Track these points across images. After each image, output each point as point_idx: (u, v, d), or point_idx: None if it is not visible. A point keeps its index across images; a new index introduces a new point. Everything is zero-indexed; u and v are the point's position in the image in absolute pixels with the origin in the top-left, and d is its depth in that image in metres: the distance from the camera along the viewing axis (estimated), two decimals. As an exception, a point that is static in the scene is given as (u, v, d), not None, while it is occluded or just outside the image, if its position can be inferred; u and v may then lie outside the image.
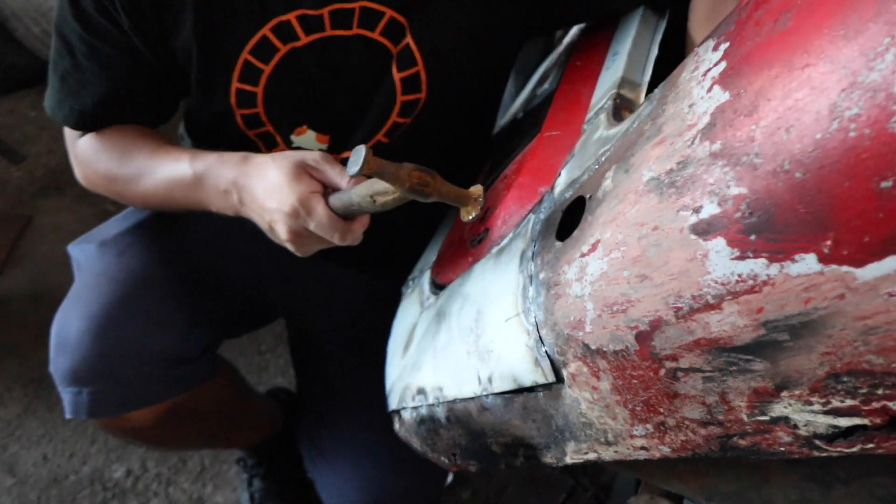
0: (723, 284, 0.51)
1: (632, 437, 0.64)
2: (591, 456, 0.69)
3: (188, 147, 1.16)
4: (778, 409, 0.54)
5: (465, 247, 0.90)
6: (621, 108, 0.77)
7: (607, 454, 0.67)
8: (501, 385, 0.71)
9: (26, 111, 2.92)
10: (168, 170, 0.97)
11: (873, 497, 0.68)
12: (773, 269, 0.48)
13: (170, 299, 1.08)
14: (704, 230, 0.51)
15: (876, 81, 0.42)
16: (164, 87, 1.01)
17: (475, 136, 1.19)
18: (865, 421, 0.50)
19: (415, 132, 1.03)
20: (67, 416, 1.09)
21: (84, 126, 1.01)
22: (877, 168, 0.42)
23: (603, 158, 0.67)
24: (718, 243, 0.50)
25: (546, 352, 0.65)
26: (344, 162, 1.04)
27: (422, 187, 0.76)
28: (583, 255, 0.61)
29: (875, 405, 0.49)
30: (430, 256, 1.07)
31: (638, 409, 0.61)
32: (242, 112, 0.97)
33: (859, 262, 0.45)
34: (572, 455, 0.70)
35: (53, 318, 1.07)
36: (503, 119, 1.35)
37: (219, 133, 1.03)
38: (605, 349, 0.60)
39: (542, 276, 0.67)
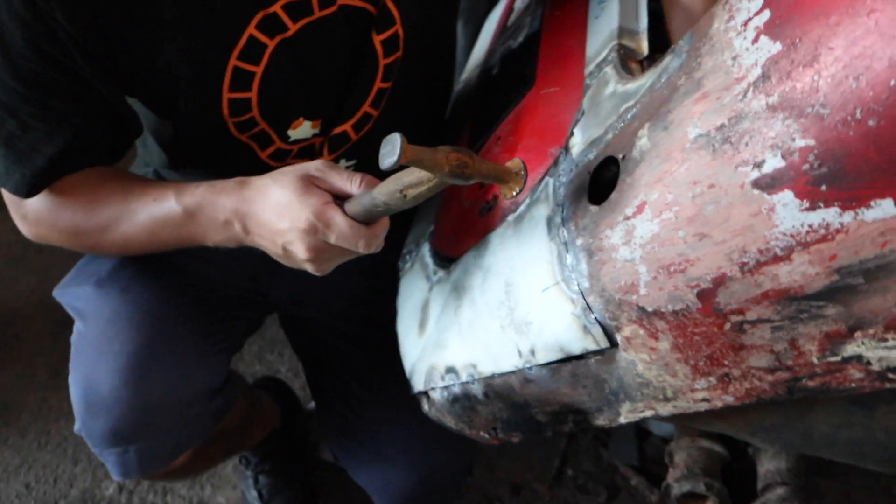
0: (792, 236, 0.51)
1: (693, 391, 0.64)
2: (648, 413, 0.69)
3: (161, 171, 1.10)
4: (850, 349, 0.55)
5: (472, 216, 0.89)
6: (626, 59, 0.75)
7: (665, 410, 0.68)
8: (547, 356, 0.71)
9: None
10: (150, 211, 0.89)
11: (916, 412, 0.71)
12: (847, 216, 0.48)
13: (191, 333, 1.02)
14: (769, 184, 0.51)
15: (954, 21, 0.41)
16: (119, 127, 0.92)
17: (445, 90, 1.17)
18: (941, 351, 0.52)
19: (396, 96, 1.00)
20: (117, 478, 1.04)
21: (38, 190, 0.89)
22: (957, 109, 0.42)
23: (629, 116, 0.66)
24: (786, 196, 0.50)
25: (596, 318, 0.65)
26: (336, 141, 1.00)
27: (461, 169, 0.70)
28: (627, 219, 0.61)
29: (952, 335, 0.51)
30: (425, 227, 1.05)
31: (700, 364, 0.62)
32: (235, 120, 0.91)
33: (938, 202, 0.45)
34: (626, 415, 0.71)
35: (69, 375, 1.00)
36: (463, 74, 1.33)
37: (206, 141, 0.96)
38: (663, 310, 0.60)
39: (579, 242, 0.66)
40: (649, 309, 0.61)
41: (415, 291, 0.97)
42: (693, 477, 0.83)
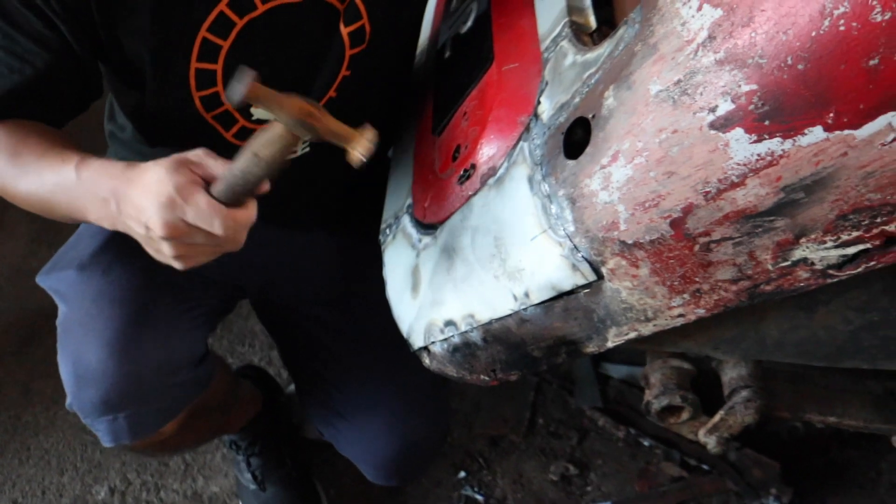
0: (745, 165, 0.62)
1: (670, 308, 0.76)
2: (632, 335, 0.80)
3: (134, 145, 1.15)
4: (798, 254, 0.67)
5: (450, 185, 0.98)
6: (579, 33, 0.86)
7: (646, 329, 0.79)
8: (540, 296, 0.81)
9: None
10: (54, 172, 0.90)
11: (848, 308, 0.84)
12: (787, 144, 0.60)
13: (172, 306, 1.10)
14: (723, 124, 0.62)
15: (857, -18, 0.53)
16: (79, 86, 0.98)
17: (405, 76, 1.26)
18: (868, 245, 0.64)
19: (358, 83, 1.08)
20: (107, 444, 1.11)
21: None
22: (865, 50, 0.54)
23: (593, 81, 0.76)
24: (737, 132, 0.61)
25: (583, 256, 0.75)
26: None
27: (307, 118, 0.73)
28: (604, 167, 0.71)
29: (875, 231, 0.63)
30: (399, 202, 1.14)
31: (675, 283, 0.73)
32: (201, 94, 0.97)
33: (857, 125, 0.57)
34: (613, 339, 0.82)
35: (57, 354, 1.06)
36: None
37: (173, 123, 1.03)
38: (641, 241, 0.71)
39: (561, 192, 0.76)
40: (629, 241, 0.72)
41: (401, 259, 1.06)
42: (669, 392, 0.95)
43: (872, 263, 0.66)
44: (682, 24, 0.65)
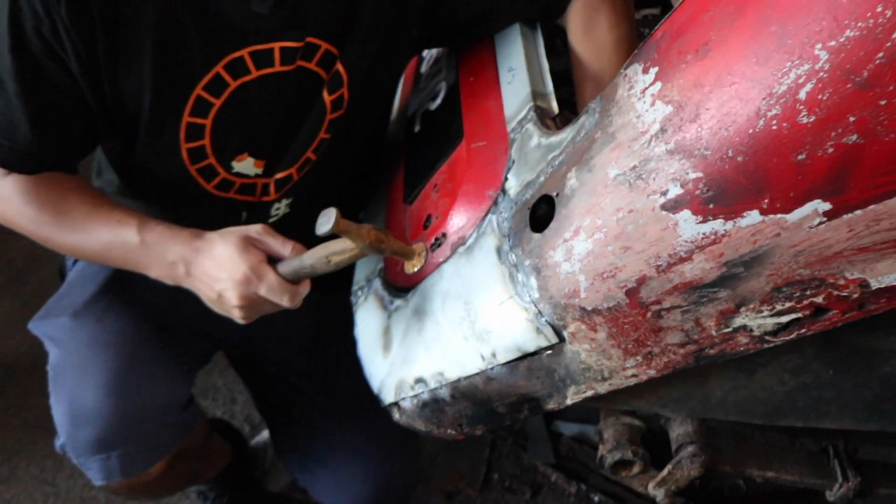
0: (692, 242, 0.71)
1: (624, 369, 0.83)
2: (589, 393, 0.87)
3: (119, 198, 1.20)
4: (738, 321, 0.75)
5: (420, 252, 1.05)
6: (543, 117, 0.95)
7: (603, 388, 0.86)
8: (506, 356, 0.88)
9: None
10: (111, 231, 1.02)
11: (784, 370, 0.93)
12: (729, 224, 0.69)
13: (162, 351, 1.16)
14: (673, 206, 0.70)
15: (785, 91, 0.62)
16: (90, 131, 1.04)
17: (378, 141, 1.34)
18: (799, 314, 0.73)
19: (335, 146, 1.16)
20: (98, 482, 1.14)
21: (18, 165, 1.00)
22: (794, 147, 0.63)
23: (556, 162, 0.85)
24: (685, 214, 0.70)
25: (546, 321, 0.83)
26: (281, 182, 1.14)
27: (379, 243, 0.91)
28: (566, 241, 0.79)
29: (805, 302, 0.72)
30: (370, 265, 1.20)
31: (630, 346, 0.81)
32: (189, 146, 1.04)
33: (788, 210, 0.66)
34: (572, 396, 0.89)
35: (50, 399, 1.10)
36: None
37: (158, 173, 1.09)
38: (599, 307, 0.79)
39: (527, 262, 0.84)
40: (589, 308, 0.79)
41: (373, 320, 1.12)
42: (622, 447, 1.02)
43: (804, 331, 0.75)
44: (637, 116, 0.74)
